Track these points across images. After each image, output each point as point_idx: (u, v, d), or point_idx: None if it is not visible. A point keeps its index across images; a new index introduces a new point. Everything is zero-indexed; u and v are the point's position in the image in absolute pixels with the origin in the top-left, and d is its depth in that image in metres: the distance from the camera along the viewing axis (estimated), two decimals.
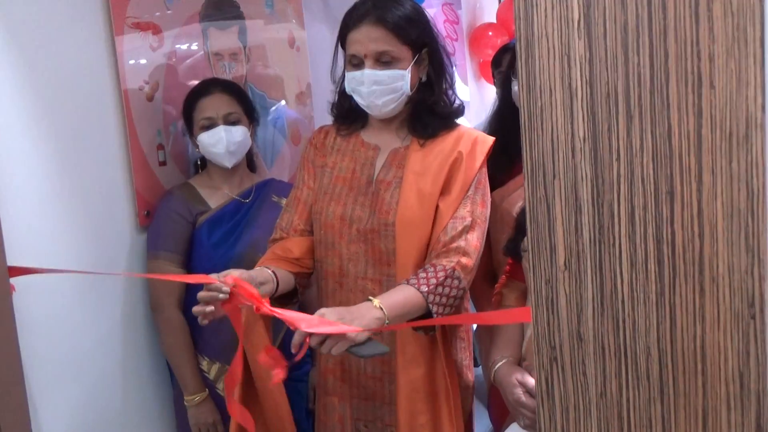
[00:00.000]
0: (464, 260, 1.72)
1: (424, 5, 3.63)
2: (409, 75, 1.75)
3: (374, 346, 1.55)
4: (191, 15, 2.43)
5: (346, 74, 1.79)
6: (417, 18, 1.77)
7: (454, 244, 1.72)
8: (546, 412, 1.01)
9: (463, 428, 1.88)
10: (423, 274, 1.68)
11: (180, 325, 2.14)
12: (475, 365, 2.35)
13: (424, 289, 1.65)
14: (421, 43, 1.78)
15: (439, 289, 1.67)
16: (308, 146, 1.94)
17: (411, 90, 1.77)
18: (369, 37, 1.72)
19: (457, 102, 1.86)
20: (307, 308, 2.08)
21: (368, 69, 1.73)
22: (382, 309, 1.58)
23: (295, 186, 1.94)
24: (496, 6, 4.16)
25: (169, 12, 2.34)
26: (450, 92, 1.85)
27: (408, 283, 1.67)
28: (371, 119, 1.86)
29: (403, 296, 1.64)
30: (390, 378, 1.80)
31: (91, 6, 2.09)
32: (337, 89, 1.89)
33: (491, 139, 1.85)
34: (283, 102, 2.82)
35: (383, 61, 1.73)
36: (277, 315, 1.54)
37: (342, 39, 1.80)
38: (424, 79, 1.81)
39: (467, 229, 1.75)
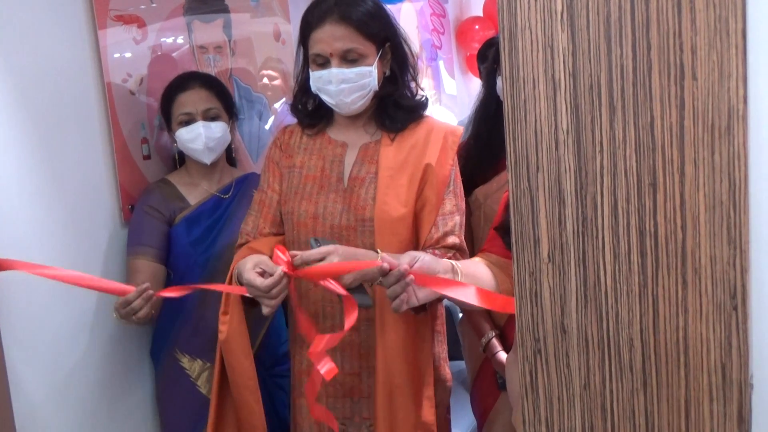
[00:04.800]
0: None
1: None
2: (376, 71, 1.75)
3: (362, 297, 1.60)
4: (175, 8, 2.41)
5: (311, 74, 1.78)
6: (379, 13, 1.78)
7: (449, 241, 1.77)
8: (530, 405, 1.01)
9: (442, 422, 1.89)
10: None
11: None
12: (458, 358, 2.36)
13: None
14: (384, 37, 1.78)
15: None
16: (272, 147, 1.92)
17: (377, 85, 1.77)
18: (334, 36, 1.71)
19: (421, 94, 1.87)
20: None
21: (335, 68, 1.72)
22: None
23: (259, 189, 1.92)
24: None
25: (153, 5, 2.32)
26: (413, 84, 1.85)
27: None
28: (337, 116, 1.85)
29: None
30: (368, 372, 1.80)
31: None
32: (297, 89, 1.88)
33: (461, 130, 1.88)
34: (268, 94, 2.81)
35: (349, 59, 1.73)
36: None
37: (304, 38, 1.79)
38: (388, 73, 1.82)
39: (457, 226, 1.79)
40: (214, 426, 1.84)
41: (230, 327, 1.77)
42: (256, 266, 1.65)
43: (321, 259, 1.59)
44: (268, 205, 1.87)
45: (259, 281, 1.61)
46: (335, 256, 1.59)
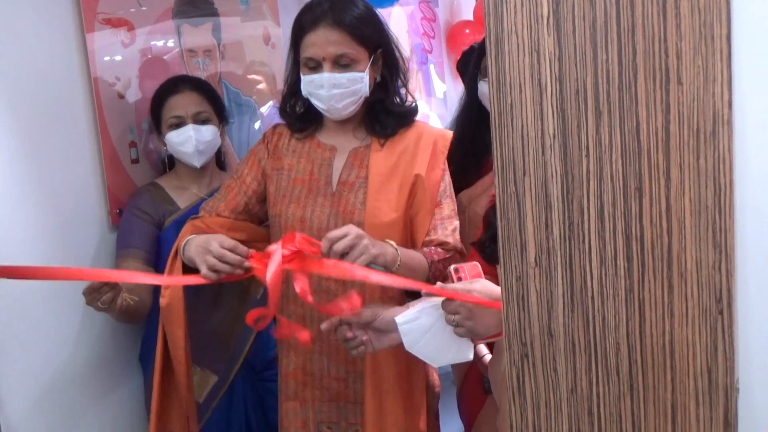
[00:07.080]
0: (459, 258, 1.81)
1: (401, 2, 3.64)
2: (367, 77, 1.75)
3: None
4: (164, 11, 2.41)
5: (302, 77, 1.77)
6: (372, 19, 1.78)
7: (451, 243, 1.80)
8: (517, 409, 1.01)
9: (431, 428, 1.89)
10: (426, 249, 1.78)
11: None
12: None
13: (430, 259, 1.75)
14: (376, 43, 1.78)
15: (440, 265, 1.76)
16: (261, 144, 1.91)
17: (368, 91, 1.77)
18: (327, 40, 1.71)
19: (410, 100, 1.87)
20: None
21: (327, 72, 1.72)
22: (397, 251, 1.67)
23: (232, 175, 1.91)
24: (473, 3, 4.17)
25: (142, 8, 2.32)
26: (403, 91, 1.85)
27: (417, 251, 1.76)
28: (327, 120, 1.85)
29: (415, 253, 1.74)
30: (355, 377, 1.80)
31: (62, 2, 2.06)
32: (286, 92, 1.87)
33: (450, 134, 1.88)
34: (256, 98, 2.80)
35: (341, 63, 1.73)
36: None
37: (296, 41, 1.78)
38: (378, 79, 1.81)
39: (457, 230, 1.82)
40: (159, 400, 1.81)
41: (171, 295, 1.76)
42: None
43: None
44: (236, 193, 1.87)
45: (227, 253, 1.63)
46: (358, 233, 1.59)
